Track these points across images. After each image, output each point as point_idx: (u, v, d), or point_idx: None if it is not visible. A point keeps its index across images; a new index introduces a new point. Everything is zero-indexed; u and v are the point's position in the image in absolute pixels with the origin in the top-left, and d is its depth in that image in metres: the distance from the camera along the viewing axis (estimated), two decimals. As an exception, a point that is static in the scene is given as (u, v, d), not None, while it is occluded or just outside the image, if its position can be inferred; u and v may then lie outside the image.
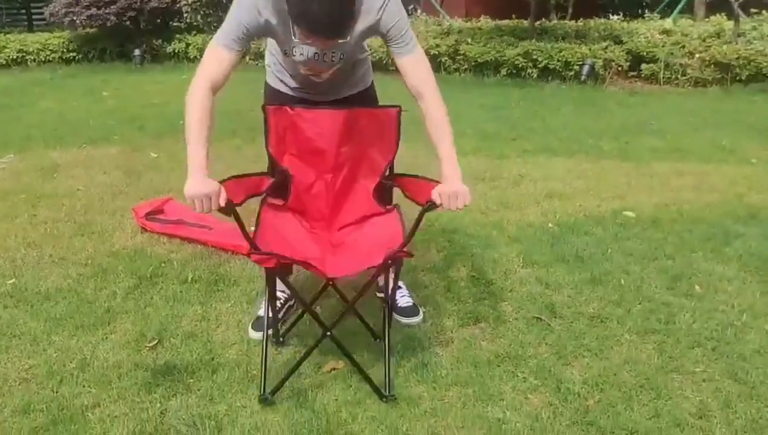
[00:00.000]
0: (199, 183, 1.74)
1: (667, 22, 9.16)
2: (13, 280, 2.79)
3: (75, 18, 9.58)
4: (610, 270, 2.88)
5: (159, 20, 10.25)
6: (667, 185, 4.10)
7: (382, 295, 2.42)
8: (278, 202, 2.24)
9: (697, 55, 7.71)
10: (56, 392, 2.05)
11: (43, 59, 9.92)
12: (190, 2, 9.87)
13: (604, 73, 7.84)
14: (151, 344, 2.31)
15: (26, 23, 13.66)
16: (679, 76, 7.77)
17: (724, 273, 2.87)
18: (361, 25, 1.95)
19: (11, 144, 5.08)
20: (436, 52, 8.40)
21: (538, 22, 9.15)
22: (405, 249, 1.91)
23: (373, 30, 2.01)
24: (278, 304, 2.37)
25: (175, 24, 10.54)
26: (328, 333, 2.01)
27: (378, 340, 2.25)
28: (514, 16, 9.73)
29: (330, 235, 2.27)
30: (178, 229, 3.22)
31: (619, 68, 7.95)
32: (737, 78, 7.56)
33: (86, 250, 3.10)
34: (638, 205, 3.72)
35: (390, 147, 2.22)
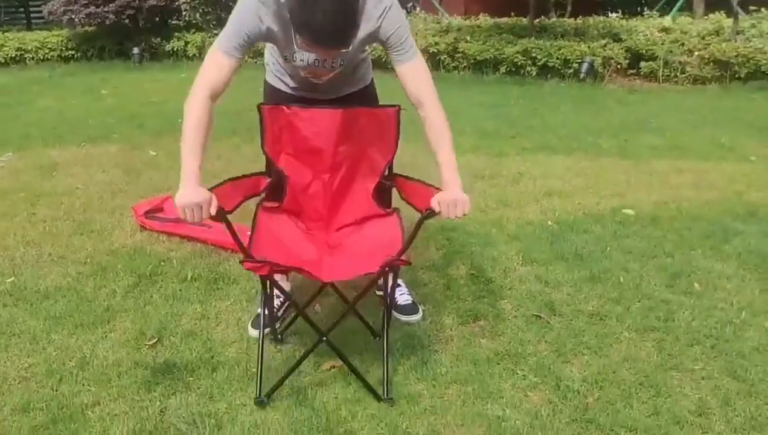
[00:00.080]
0: (189, 192, 1.74)
1: (666, 20, 9.16)
2: (13, 278, 2.79)
3: (74, 16, 9.57)
4: (609, 268, 2.88)
5: (158, 18, 10.25)
6: (667, 183, 4.10)
7: (381, 293, 2.42)
8: (273, 204, 2.24)
9: (696, 53, 7.72)
10: (56, 391, 2.05)
11: (41, 57, 9.92)
12: (188, 0, 9.86)
13: (603, 71, 7.84)
14: (150, 342, 2.31)
15: (25, 21, 13.66)
16: (678, 73, 7.77)
17: (723, 270, 2.87)
18: (361, 32, 1.94)
19: (10, 142, 5.07)
20: (435, 50, 8.40)
21: (537, 20, 9.15)
22: (403, 257, 1.91)
23: (373, 37, 2.00)
24: (278, 302, 2.37)
25: (173, 22, 10.54)
26: (324, 338, 2.01)
27: (377, 338, 2.25)
28: (513, 13, 9.73)
29: (328, 235, 2.27)
30: (177, 228, 3.21)
31: (618, 66, 7.95)
32: (736, 76, 7.56)
33: (85, 248, 3.10)
34: (637, 202, 3.72)
35: (389, 146, 2.21)
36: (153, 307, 2.56)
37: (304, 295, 2.44)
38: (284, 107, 2.17)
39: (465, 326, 2.43)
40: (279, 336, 2.29)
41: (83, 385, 2.08)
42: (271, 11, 1.90)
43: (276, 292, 2.40)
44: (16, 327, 2.41)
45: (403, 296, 2.51)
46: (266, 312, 2.12)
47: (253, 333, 2.33)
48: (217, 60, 1.93)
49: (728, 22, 8.30)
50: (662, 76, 7.81)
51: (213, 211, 1.74)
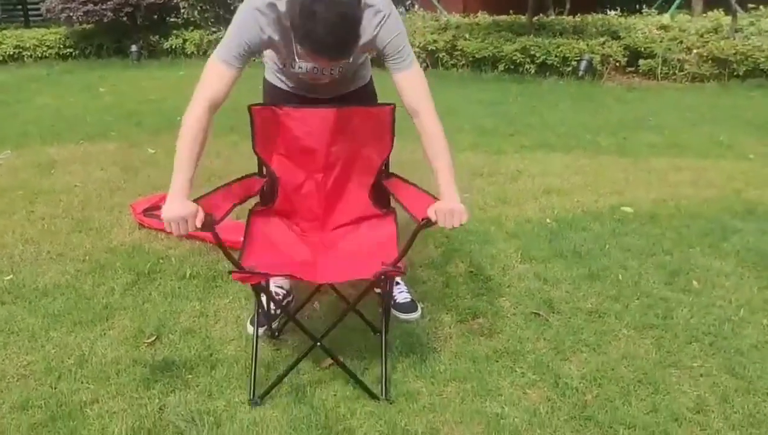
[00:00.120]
0: (175, 206, 1.78)
1: (665, 18, 9.15)
2: (11, 276, 2.79)
3: (72, 14, 9.54)
4: (608, 265, 2.89)
5: (156, 16, 10.20)
6: (665, 181, 4.10)
7: (379, 290, 2.42)
8: (266, 207, 2.24)
9: (694, 51, 7.71)
10: (54, 388, 2.05)
11: (39, 55, 9.89)
12: (187, -2, 9.85)
13: (601, 69, 7.83)
14: (149, 340, 2.31)
15: (23, 19, 13.61)
16: (676, 71, 7.76)
17: (722, 268, 2.87)
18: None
19: (8, 140, 5.06)
20: (434, 48, 8.39)
21: (535, 18, 9.14)
22: (399, 264, 1.89)
23: (370, 45, 1.99)
24: (277, 298, 2.37)
25: (172, 20, 10.49)
26: (318, 344, 2.01)
27: (377, 333, 2.25)
28: (511, 11, 9.71)
29: (323, 235, 2.26)
30: (175, 226, 3.21)
31: (617, 64, 7.94)
32: (735, 73, 7.55)
33: (84, 246, 3.10)
34: (636, 200, 3.72)
35: (385, 145, 2.20)
36: (152, 304, 2.56)
37: (303, 292, 2.44)
38: (275, 107, 2.16)
39: (464, 324, 2.43)
40: (276, 333, 2.29)
41: (82, 382, 2.08)
42: (271, 20, 1.90)
43: (275, 290, 2.41)
44: (15, 325, 2.41)
45: (402, 294, 2.51)
46: (261, 316, 2.12)
47: (252, 330, 2.32)
48: (218, 70, 1.92)
49: (727, 19, 8.29)
50: (661, 73, 7.80)
51: (198, 224, 1.75)
